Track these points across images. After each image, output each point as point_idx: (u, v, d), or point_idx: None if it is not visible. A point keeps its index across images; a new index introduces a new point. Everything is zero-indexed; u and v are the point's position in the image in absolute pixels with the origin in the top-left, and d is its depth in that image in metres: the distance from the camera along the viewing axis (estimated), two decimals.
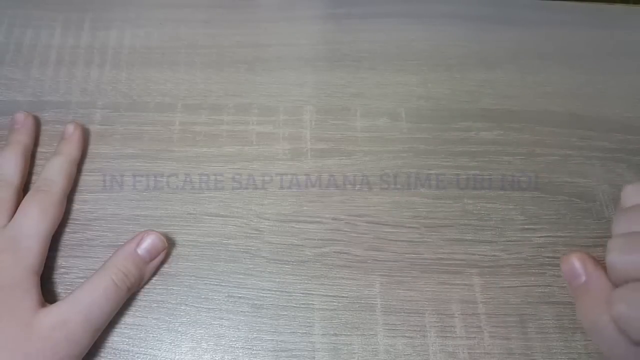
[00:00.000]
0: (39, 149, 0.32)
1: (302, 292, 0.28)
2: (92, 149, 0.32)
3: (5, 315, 0.24)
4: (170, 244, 0.29)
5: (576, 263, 0.27)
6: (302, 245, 0.30)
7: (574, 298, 0.28)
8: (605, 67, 0.37)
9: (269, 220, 0.30)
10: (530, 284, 0.29)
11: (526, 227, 0.31)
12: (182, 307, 0.28)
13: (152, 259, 0.28)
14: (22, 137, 0.31)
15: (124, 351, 0.27)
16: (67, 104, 0.34)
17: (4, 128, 0.33)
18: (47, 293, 0.27)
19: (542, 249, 0.30)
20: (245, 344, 0.27)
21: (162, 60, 0.36)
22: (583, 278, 0.26)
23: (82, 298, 0.25)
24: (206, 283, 0.29)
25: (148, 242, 0.27)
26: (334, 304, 0.28)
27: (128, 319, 0.27)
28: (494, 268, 0.29)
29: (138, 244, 0.27)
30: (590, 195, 0.32)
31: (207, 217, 0.30)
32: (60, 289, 0.28)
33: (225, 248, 0.30)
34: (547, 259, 0.30)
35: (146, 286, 0.28)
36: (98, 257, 0.29)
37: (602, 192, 0.32)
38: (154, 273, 0.28)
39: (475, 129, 0.34)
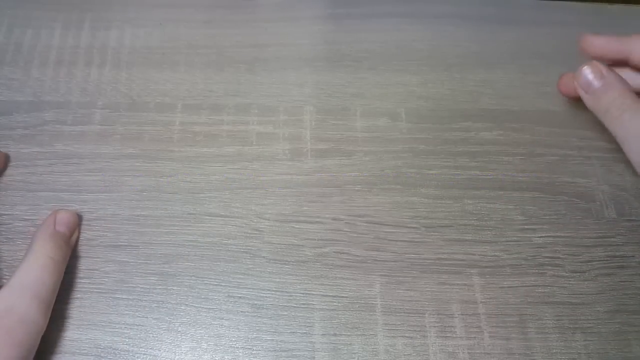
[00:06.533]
0: (36, 149, 0.32)
1: (302, 292, 0.28)
2: (92, 149, 0.32)
3: None
4: (80, 218, 0.30)
5: (591, 69, 0.29)
6: (302, 245, 0.30)
7: (593, 104, 0.29)
8: None
9: (269, 220, 0.30)
10: (530, 284, 0.29)
11: (526, 227, 0.31)
12: (182, 307, 0.28)
13: (71, 234, 0.28)
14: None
15: (124, 351, 0.27)
16: (67, 104, 0.34)
17: (4, 128, 0.33)
18: None
19: (542, 249, 0.30)
20: (245, 344, 0.27)
21: (162, 60, 0.36)
22: (601, 82, 0.28)
23: (23, 280, 0.25)
24: (206, 283, 0.29)
25: (63, 219, 0.28)
26: (334, 304, 0.28)
27: (128, 319, 0.27)
28: (494, 268, 0.29)
29: (55, 223, 0.28)
30: (590, 195, 0.32)
31: (207, 217, 0.30)
32: (60, 289, 0.27)
33: (225, 248, 0.30)
34: (547, 259, 0.30)
35: (146, 286, 0.28)
36: (98, 257, 0.29)
37: (602, 192, 0.32)
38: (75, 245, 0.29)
39: (475, 129, 0.34)
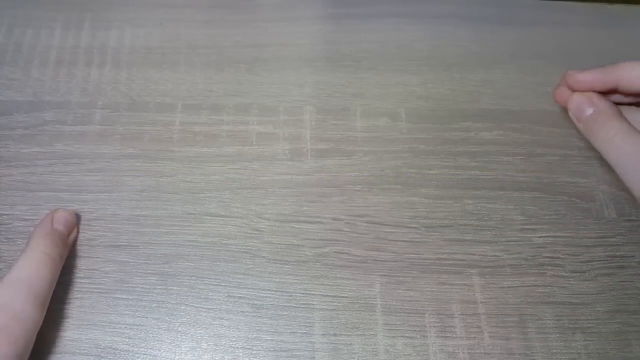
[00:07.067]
0: (36, 149, 0.32)
1: (302, 292, 0.28)
2: (92, 149, 0.32)
3: None
4: (78, 217, 0.30)
5: (582, 98, 0.30)
6: (302, 245, 0.30)
7: (586, 131, 0.30)
8: None
9: (269, 220, 0.30)
10: (530, 284, 0.29)
11: (526, 227, 0.31)
12: (182, 307, 0.28)
13: (69, 233, 0.28)
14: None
15: (124, 351, 0.27)
16: (67, 104, 0.34)
17: (4, 128, 0.33)
18: None
19: (542, 249, 0.30)
20: (245, 344, 0.27)
21: (162, 60, 0.36)
22: (592, 109, 0.29)
23: (18, 275, 0.24)
24: (206, 283, 0.29)
25: (60, 218, 0.28)
26: (334, 304, 0.28)
27: (128, 319, 0.27)
28: (494, 268, 0.29)
29: (52, 222, 0.28)
30: (590, 195, 0.32)
31: (207, 217, 0.30)
32: (60, 289, 0.27)
33: (225, 248, 0.30)
34: (547, 259, 0.30)
35: (146, 286, 0.28)
36: (98, 257, 0.29)
37: (602, 192, 0.32)
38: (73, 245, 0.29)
39: (475, 129, 0.34)
